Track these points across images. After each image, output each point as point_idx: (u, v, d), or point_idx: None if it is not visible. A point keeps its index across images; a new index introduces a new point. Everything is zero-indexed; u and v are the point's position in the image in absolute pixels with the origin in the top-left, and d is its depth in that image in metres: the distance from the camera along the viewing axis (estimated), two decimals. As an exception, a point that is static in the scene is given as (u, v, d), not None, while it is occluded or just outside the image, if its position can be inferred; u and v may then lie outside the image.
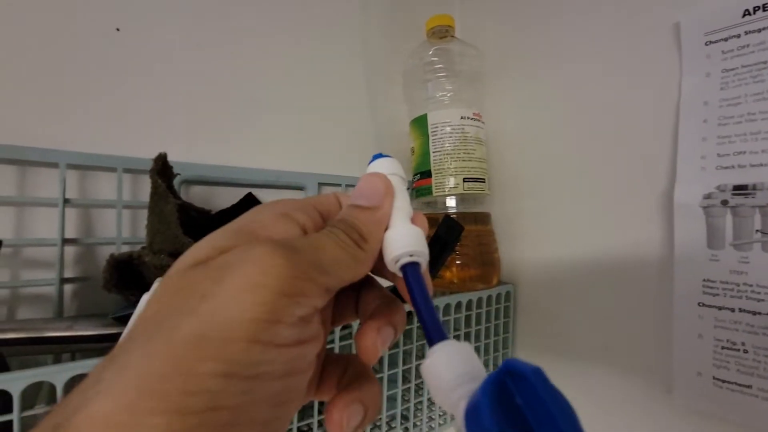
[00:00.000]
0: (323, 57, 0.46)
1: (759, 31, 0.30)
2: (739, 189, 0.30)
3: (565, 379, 0.42)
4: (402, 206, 0.16)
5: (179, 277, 0.13)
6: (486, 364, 0.45)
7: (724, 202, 0.31)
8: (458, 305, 0.42)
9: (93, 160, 0.31)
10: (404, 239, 0.15)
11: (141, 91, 0.35)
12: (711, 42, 0.32)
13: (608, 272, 0.39)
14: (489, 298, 0.45)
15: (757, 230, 0.30)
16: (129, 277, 0.28)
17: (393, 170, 0.17)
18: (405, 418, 0.39)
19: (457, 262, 0.44)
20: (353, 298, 0.18)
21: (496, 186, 0.50)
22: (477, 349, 0.44)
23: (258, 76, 0.41)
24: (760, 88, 0.30)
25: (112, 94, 0.34)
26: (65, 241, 0.30)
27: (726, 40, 0.32)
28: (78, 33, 0.32)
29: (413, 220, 0.17)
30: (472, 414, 0.10)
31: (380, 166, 0.17)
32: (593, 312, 0.41)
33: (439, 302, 0.39)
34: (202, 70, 0.38)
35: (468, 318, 0.43)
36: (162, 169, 0.30)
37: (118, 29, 0.34)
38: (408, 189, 0.52)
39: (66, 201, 0.30)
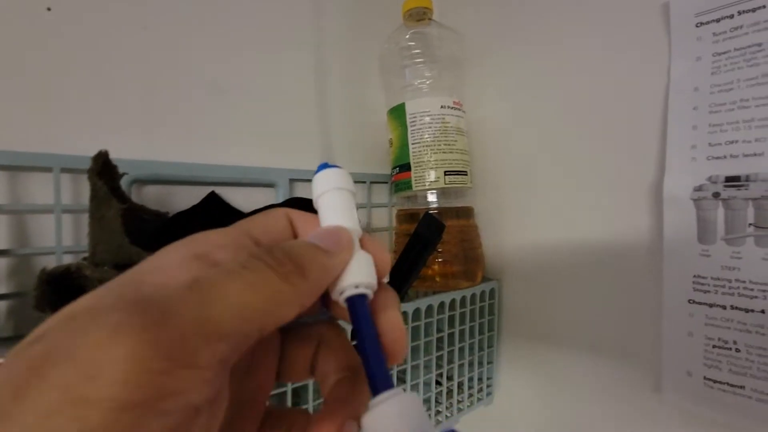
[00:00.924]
0: (290, 41, 0.43)
1: (754, 10, 0.28)
2: (732, 180, 0.29)
3: (551, 377, 0.41)
4: (349, 226, 0.13)
5: (9, 361, 0.09)
6: (471, 365, 0.44)
7: (716, 195, 0.29)
8: (441, 305, 0.39)
9: (24, 160, 0.27)
10: (349, 267, 0.12)
11: (81, 79, 0.31)
12: (702, 23, 0.31)
13: (596, 267, 0.38)
14: (473, 296, 0.43)
15: (750, 224, 0.28)
16: (67, 293, 0.25)
17: (341, 184, 0.14)
18: None
19: (439, 259, 0.42)
20: (309, 347, 0.14)
21: (478, 178, 0.48)
22: (461, 350, 0.42)
23: (219, 63, 0.38)
24: (754, 72, 0.28)
25: (49, 86, 0.30)
26: (-5, 253, 0.27)
27: (718, 21, 0.30)
28: (6, 12, 0.28)
29: (363, 244, 0.14)
30: None
31: (327, 177, 0.14)
32: (580, 308, 0.39)
33: (421, 304, 0.37)
34: (153, 56, 0.34)
35: (451, 318, 0.41)
36: (102, 169, 0.26)
37: (49, 9, 0.29)
38: (387, 183, 0.49)
39: (-6, 207, 0.27)
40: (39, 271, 0.24)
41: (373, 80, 0.49)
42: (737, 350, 0.29)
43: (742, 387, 0.28)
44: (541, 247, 0.43)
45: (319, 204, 0.14)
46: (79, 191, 0.30)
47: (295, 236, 0.15)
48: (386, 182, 0.49)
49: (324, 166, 0.14)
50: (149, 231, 0.29)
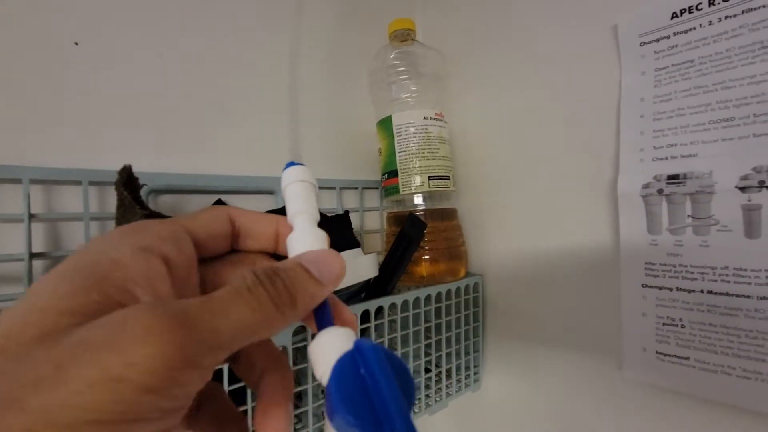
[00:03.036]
0: (288, 61, 0.47)
1: (686, 32, 0.33)
2: (672, 178, 0.33)
3: (532, 364, 0.45)
4: (308, 210, 0.17)
5: (17, 349, 0.10)
6: (458, 353, 0.47)
7: (660, 191, 0.34)
8: (428, 298, 0.43)
9: (57, 174, 0.32)
10: (306, 242, 0.16)
11: (104, 104, 0.35)
12: (645, 43, 0.35)
13: (565, 260, 0.42)
14: (458, 289, 0.47)
15: (688, 215, 0.32)
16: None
17: (303, 177, 0.18)
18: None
19: (425, 257, 0.46)
20: None
21: (462, 182, 0.52)
22: (448, 339, 0.46)
23: (222, 82, 0.42)
24: (687, 84, 0.33)
25: (74, 108, 0.34)
26: (33, 256, 0.31)
27: (658, 41, 0.34)
28: (37, 47, 0.32)
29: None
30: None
31: (292, 172, 0.18)
32: (554, 298, 0.43)
33: (409, 296, 0.41)
34: (164, 79, 0.39)
35: (438, 310, 0.45)
36: (127, 180, 0.30)
37: (76, 43, 0.34)
38: (378, 188, 0.54)
39: (32, 216, 0.31)
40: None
41: (363, 96, 0.53)
42: (682, 326, 0.33)
43: (687, 358, 0.32)
44: (517, 244, 0.47)
45: (285, 193, 0.18)
46: (104, 201, 0.35)
47: (235, 234, 0.17)
48: (377, 188, 0.54)
49: (291, 164, 0.18)
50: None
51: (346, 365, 0.12)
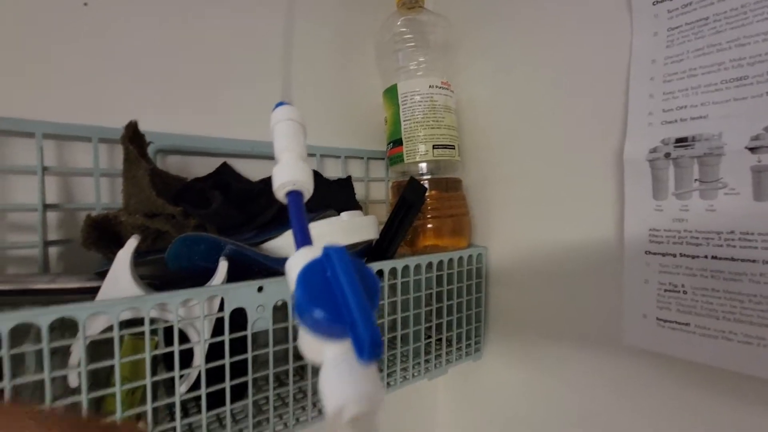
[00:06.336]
0: (296, 27, 0.47)
1: (701, -12, 0.31)
2: (680, 141, 0.32)
3: (534, 334, 0.45)
4: (295, 148, 0.18)
5: None
6: (459, 322, 0.48)
7: (667, 155, 0.33)
8: (429, 265, 0.44)
9: (68, 130, 0.33)
10: (290, 172, 0.17)
11: (114, 63, 0.36)
12: (658, 2, 0.34)
13: (570, 232, 0.41)
14: (460, 259, 0.47)
15: (695, 179, 0.32)
16: (107, 236, 0.30)
17: (293, 117, 0.18)
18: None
19: (429, 226, 0.46)
20: None
21: (468, 154, 0.52)
22: (449, 308, 0.46)
23: (230, 47, 0.42)
24: (700, 44, 0.31)
25: (85, 66, 0.35)
26: (47, 207, 0.32)
27: (672, -1, 0.33)
28: (48, 8, 0.33)
29: None
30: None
31: (281, 111, 0.19)
32: (557, 271, 0.43)
33: (410, 261, 0.42)
34: (174, 41, 0.39)
35: (439, 278, 0.45)
36: (133, 135, 0.31)
37: (86, 3, 0.35)
38: (384, 159, 0.54)
39: (45, 169, 0.32)
40: (85, 217, 0.29)
41: (370, 66, 0.53)
42: (684, 292, 0.32)
43: (687, 324, 0.32)
44: (524, 216, 0.46)
45: (274, 131, 0.19)
46: (114, 159, 0.36)
47: None
48: (383, 158, 0.54)
49: (280, 103, 0.19)
50: (172, 192, 0.35)
51: (312, 269, 0.12)
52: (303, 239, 0.15)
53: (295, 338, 0.35)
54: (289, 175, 0.17)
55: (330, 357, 0.12)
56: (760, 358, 0.29)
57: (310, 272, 0.12)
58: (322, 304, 0.11)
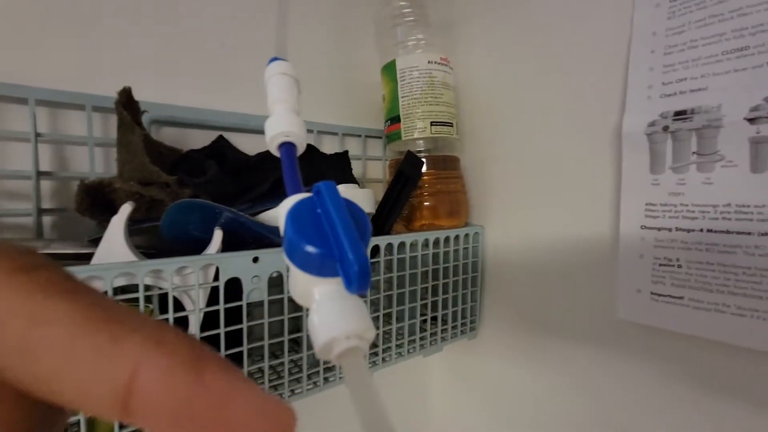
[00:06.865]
0: (294, 2, 0.47)
1: (705, -42, 0.31)
2: (679, 114, 0.32)
3: (530, 313, 0.45)
4: (288, 100, 0.18)
5: None
6: (455, 301, 0.48)
7: (665, 128, 0.33)
8: (426, 242, 0.44)
9: (61, 97, 0.32)
10: (283, 123, 0.16)
11: (109, 31, 0.36)
12: (661, -28, 0.33)
13: (566, 210, 0.41)
14: (457, 237, 0.47)
15: (693, 152, 0.31)
16: (100, 203, 0.30)
17: (286, 71, 0.18)
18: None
19: (426, 203, 0.46)
20: None
21: (467, 133, 0.52)
22: (445, 286, 0.46)
23: (227, 18, 0.42)
24: (702, 14, 0.31)
25: (80, 33, 0.34)
26: (40, 174, 0.32)
27: (675, -31, 0.32)
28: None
29: None
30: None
31: (277, 66, 0.18)
32: (554, 248, 0.43)
33: (407, 238, 0.42)
34: (171, 9, 0.38)
35: (435, 255, 0.45)
36: (127, 102, 0.31)
37: (79, -33, 0.34)
38: (381, 138, 0.53)
39: (38, 135, 0.32)
40: (79, 182, 0.29)
41: (369, 44, 0.52)
42: (679, 266, 0.32)
43: (681, 297, 0.32)
44: (521, 195, 0.46)
45: (267, 86, 0.18)
46: (108, 129, 0.35)
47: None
48: (380, 137, 0.53)
49: (275, 59, 0.19)
50: (167, 162, 0.34)
51: (302, 206, 0.12)
52: (295, 188, 0.15)
53: (290, 311, 0.35)
54: (282, 127, 0.17)
55: (320, 295, 0.12)
56: (753, 329, 0.29)
57: (300, 210, 0.12)
58: (312, 239, 0.11)
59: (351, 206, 0.12)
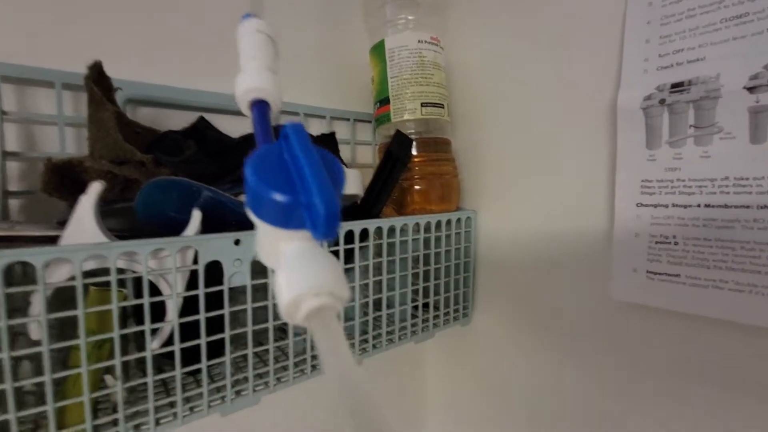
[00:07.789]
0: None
1: (701, -77, 0.30)
2: (676, 86, 0.31)
3: (523, 298, 0.44)
4: (262, 58, 0.16)
5: None
6: (447, 287, 0.47)
7: (662, 101, 0.32)
8: (416, 226, 0.42)
9: (29, 73, 0.31)
10: (255, 79, 0.15)
11: (82, 3, 0.34)
12: (656, -60, 0.32)
13: (560, 192, 0.40)
14: (448, 221, 0.46)
15: (690, 125, 0.30)
16: (70, 183, 0.28)
17: (262, 29, 0.17)
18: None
19: (417, 187, 0.45)
20: None
21: (459, 117, 0.50)
22: (437, 271, 0.45)
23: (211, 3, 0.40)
24: (699, -18, 0.30)
25: (50, 6, 0.32)
26: (6, 154, 0.30)
27: (670, -64, 0.31)
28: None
29: None
30: None
31: (248, 23, 0.17)
32: (548, 231, 0.42)
33: (396, 222, 0.40)
34: (143, -14, 0.37)
35: (427, 240, 0.44)
36: (98, 77, 0.29)
37: (44, -65, 0.32)
38: (371, 121, 0.52)
39: (4, 113, 0.30)
40: (45, 160, 0.27)
41: (357, 25, 0.51)
42: (675, 243, 0.31)
43: (677, 275, 0.31)
44: (514, 178, 0.45)
45: (241, 44, 0.17)
46: (80, 108, 0.33)
47: None
48: (369, 121, 0.52)
49: (248, 15, 0.17)
50: (144, 142, 0.33)
51: (267, 153, 0.11)
52: (264, 138, 0.13)
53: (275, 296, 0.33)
54: (254, 82, 0.15)
55: (288, 251, 0.11)
56: (751, 305, 0.28)
57: (264, 156, 0.11)
58: (278, 186, 0.10)
59: (324, 155, 0.11)
